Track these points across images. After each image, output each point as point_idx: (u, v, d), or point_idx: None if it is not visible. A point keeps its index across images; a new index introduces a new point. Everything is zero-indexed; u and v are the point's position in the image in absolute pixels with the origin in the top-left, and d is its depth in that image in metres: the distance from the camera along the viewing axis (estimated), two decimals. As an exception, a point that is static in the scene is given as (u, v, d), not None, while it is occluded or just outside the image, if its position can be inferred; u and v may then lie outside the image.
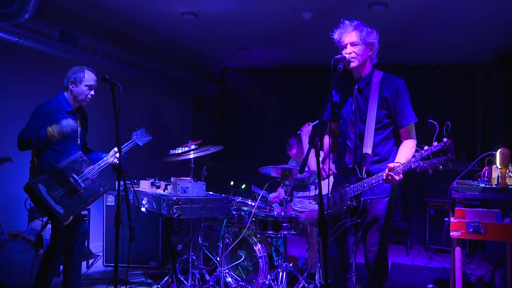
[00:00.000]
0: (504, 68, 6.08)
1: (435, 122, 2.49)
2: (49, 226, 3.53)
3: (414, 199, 7.07)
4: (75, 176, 3.39)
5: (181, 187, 3.49)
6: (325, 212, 2.87)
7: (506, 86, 6.07)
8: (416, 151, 2.56)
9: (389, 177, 2.63)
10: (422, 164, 2.51)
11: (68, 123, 3.32)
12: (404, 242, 6.57)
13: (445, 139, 2.46)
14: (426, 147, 2.53)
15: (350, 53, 2.85)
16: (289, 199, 3.93)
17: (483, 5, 4.69)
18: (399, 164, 2.63)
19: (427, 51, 6.59)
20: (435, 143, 2.49)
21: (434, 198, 6.21)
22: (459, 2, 4.64)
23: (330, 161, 3.04)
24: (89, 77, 3.51)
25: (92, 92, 3.55)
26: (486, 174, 3.45)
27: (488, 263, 5.58)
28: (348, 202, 2.81)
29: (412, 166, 2.54)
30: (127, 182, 2.82)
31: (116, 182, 4.94)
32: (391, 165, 2.64)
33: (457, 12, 4.93)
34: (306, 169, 2.60)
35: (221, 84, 8.24)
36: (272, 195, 4.93)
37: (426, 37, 5.86)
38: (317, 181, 2.38)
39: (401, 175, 2.62)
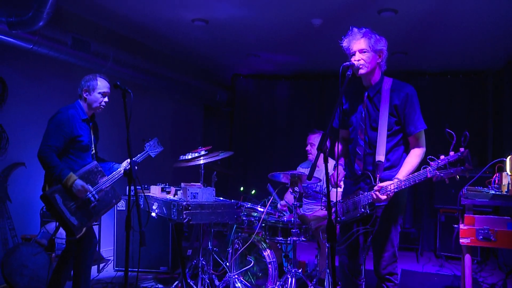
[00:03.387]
0: (516, 73, 6.04)
1: (452, 132, 2.49)
2: (64, 232, 3.57)
3: (424, 206, 7.03)
4: (90, 187, 3.42)
5: (191, 193, 3.51)
6: (338, 218, 2.90)
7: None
8: (432, 160, 2.56)
9: (375, 196, 2.69)
10: (438, 173, 2.51)
11: (84, 189, 3.36)
12: (414, 249, 6.53)
13: (462, 149, 2.46)
14: (442, 157, 2.52)
15: (358, 60, 2.86)
16: (298, 204, 3.94)
17: (493, 11, 4.67)
18: (392, 183, 2.69)
19: (437, 57, 6.57)
20: (452, 153, 2.49)
21: (445, 205, 6.16)
22: (470, 8, 4.63)
23: (342, 167, 3.05)
24: (102, 84, 3.55)
25: (106, 99, 3.58)
26: (496, 181, 3.43)
27: (501, 271, 5.53)
28: (362, 209, 2.80)
29: (428, 175, 2.55)
30: (137, 187, 2.85)
31: (127, 187, 5.02)
32: (381, 184, 2.71)
33: (468, 18, 4.91)
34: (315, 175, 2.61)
35: (231, 90, 8.28)
36: (282, 203, 4.91)
37: (437, 43, 5.84)
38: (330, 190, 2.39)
39: (390, 194, 2.68)
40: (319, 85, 7.94)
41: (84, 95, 3.53)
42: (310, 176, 2.37)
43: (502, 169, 3.38)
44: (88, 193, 3.39)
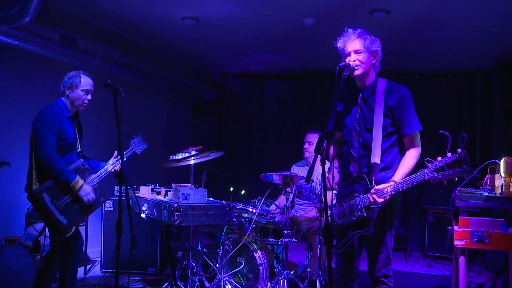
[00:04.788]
0: (504, 75, 6.08)
1: (447, 133, 2.47)
2: (48, 233, 3.49)
3: (413, 206, 7.06)
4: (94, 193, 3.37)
5: (182, 194, 3.45)
6: (334, 223, 2.87)
7: (505, 94, 6.07)
8: (429, 161, 2.53)
9: (371, 199, 2.66)
10: (436, 175, 2.48)
11: (89, 194, 3.34)
12: (403, 249, 6.54)
13: (459, 150, 2.44)
14: (439, 158, 2.50)
15: (354, 61, 2.83)
16: (290, 206, 3.90)
17: (483, 13, 4.70)
18: (388, 185, 2.65)
19: (427, 58, 6.60)
20: (449, 154, 2.47)
21: (434, 205, 6.19)
22: (460, 10, 4.64)
23: (336, 169, 3.01)
24: (85, 81, 3.46)
25: (89, 97, 3.50)
26: (488, 183, 3.43)
27: (488, 270, 5.57)
28: (359, 213, 2.76)
29: (426, 177, 2.52)
30: (128, 188, 2.78)
31: (115, 187, 4.93)
32: (378, 187, 2.68)
33: (458, 20, 4.93)
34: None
35: (220, 89, 8.21)
36: (273, 207, 4.83)
37: (427, 44, 5.86)
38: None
39: (387, 196, 2.65)
40: (308, 85, 7.92)
41: (67, 92, 3.44)
42: (308, 178, 2.33)
43: (494, 170, 3.38)
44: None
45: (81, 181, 3.29)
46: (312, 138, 4.74)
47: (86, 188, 3.32)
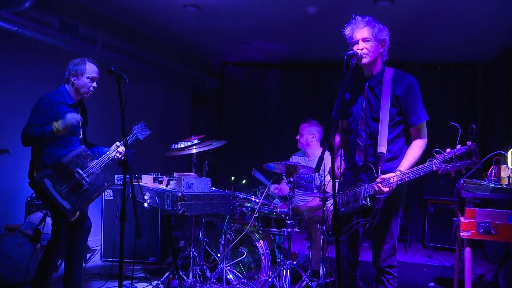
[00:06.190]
0: (507, 67, 6.04)
1: (457, 125, 2.46)
2: (50, 221, 3.47)
3: (413, 197, 7.04)
4: (80, 171, 3.35)
5: (186, 183, 3.42)
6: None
7: (508, 85, 6.03)
8: (438, 152, 2.51)
9: (376, 188, 2.63)
10: (444, 166, 2.47)
11: (72, 115, 3.24)
12: (403, 239, 6.55)
13: (469, 142, 2.43)
14: (448, 150, 2.49)
15: (362, 49, 2.82)
16: (293, 195, 3.88)
17: (488, 4, 4.65)
18: (394, 175, 2.63)
19: (429, 49, 6.54)
20: (458, 146, 2.45)
21: (434, 196, 6.18)
22: (464, 0, 4.60)
23: (341, 158, 2.99)
24: (90, 69, 3.43)
25: (94, 84, 3.48)
26: (493, 174, 3.41)
27: (487, 261, 5.58)
28: (363, 201, 2.75)
29: (434, 168, 2.51)
30: (131, 177, 2.75)
31: (116, 176, 4.89)
32: (384, 176, 2.65)
33: (462, 10, 4.88)
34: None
35: (220, 78, 8.15)
36: (275, 186, 4.86)
37: (430, 34, 5.81)
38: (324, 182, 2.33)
39: (392, 186, 2.63)
40: (309, 74, 7.87)
41: (72, 79, 3.41)
42: (318, 168, 2.30)
43: (499, 161, 3.36)
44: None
45: (57, 122, 3.19)
46: (304, 129, 4.71)
47: (67, 118, 3.20)
